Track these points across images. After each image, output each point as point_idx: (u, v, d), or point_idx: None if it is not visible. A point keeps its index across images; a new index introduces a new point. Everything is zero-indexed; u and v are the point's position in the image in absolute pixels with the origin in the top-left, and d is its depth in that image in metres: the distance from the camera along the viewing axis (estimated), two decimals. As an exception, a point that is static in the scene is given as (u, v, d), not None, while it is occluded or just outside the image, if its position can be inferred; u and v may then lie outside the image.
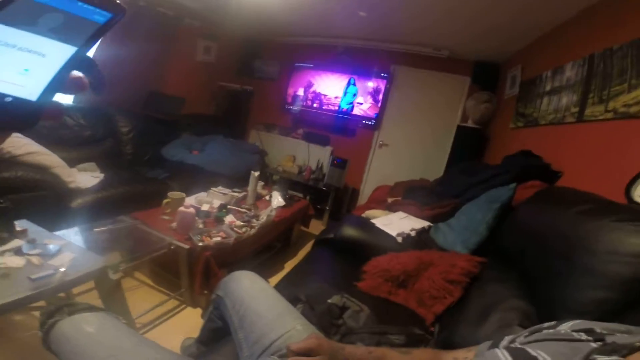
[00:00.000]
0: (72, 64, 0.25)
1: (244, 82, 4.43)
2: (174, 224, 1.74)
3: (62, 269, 1.08)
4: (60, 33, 0.24)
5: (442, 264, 1.37)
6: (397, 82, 3.90)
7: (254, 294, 0.98)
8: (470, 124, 3.36)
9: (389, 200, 2.34)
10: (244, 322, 0.93)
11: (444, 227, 1.73)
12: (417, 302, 1.37)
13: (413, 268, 1.45)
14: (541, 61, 2.49)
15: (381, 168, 4.01)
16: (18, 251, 1.11)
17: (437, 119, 3.81)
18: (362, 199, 4.00)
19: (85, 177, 2.19)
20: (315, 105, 4.14)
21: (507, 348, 0.57)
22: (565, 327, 0.58)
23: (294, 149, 4.21)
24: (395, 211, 1.96)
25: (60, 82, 0.25)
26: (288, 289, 1.28)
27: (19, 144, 1.84)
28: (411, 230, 1.71)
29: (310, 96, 4.17)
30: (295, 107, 4.22)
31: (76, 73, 0.26)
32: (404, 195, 2.43)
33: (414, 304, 1.38)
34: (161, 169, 2.79)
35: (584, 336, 0.53)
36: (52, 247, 1.17)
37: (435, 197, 2.22)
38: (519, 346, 0.57)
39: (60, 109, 0.26)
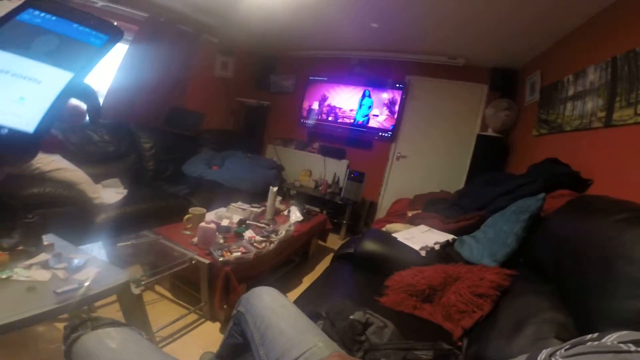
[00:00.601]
0: (69, 91, 0.23)
1: (261, 97, 4.53)
2: (195, 239, 1.75)
3: (87, 283, 1.09)
4: (55, 57, 0.22)
5: (470, 278, 1.32)
6: (412, 92, 3.88)
7: (275, 310, 0.97)
8: (490, 132, 3.28)
9: (409, 213, 2.29)
10: (265, 338, 0.91)
11: (470, 240, 1.67)
12: (444, 316, 1.33)
13: (439, 282, 1.40)
14: (561, 66, 2.42)
15: (399, 180, 3.95)
16: (45, 265, 1.15)
17: (456, 129, 3.74)
18: (381, 212, 3.94)
19: (110, 193, 2.26)
20: (330, 118, 4.16)
21: None
22: (611, 338, 0.53)
23: (310, 163, 4.23)
24: (417, 224, 1.91)
25: (57, 111, 0.23)
26: (308, 305, 1.26)
27: (47, 160, 1.92)
28: (435, 243, 1.65)
29: (325, 109, 4.20)
30: (311, 121, 4.26)
31: (74, 101, 0.24)
32: (424, 208, 2.37)
33: (440, 318, 1.33)
34: (182, 185, 2.85)
35: (632, 347, 0.49)
36: (77, 261, 1.20)
37: (458, 210, 2.16)
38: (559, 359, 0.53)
39: (58, 139, 0.25)
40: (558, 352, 0.57)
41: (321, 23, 3.07)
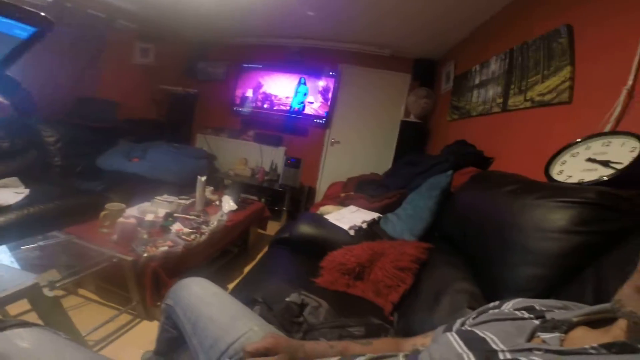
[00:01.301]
0: None
1: (188, 85, 4.23)
2: (115, 237, 1.60)
3: None
4: None
5: (393, 253, 1.42)
6: (344, 80, 3.99)
7: (205, 299, 0.95)
8: (412, 118, 3.56)
9: (342, 195, 2.39)
10: (197, 328, 0.89)
11: (392, 217, 1.81)
12: (374, 292, 1.41)
13: (366, 259, 1.48)
14: (471, 56, 2.71)
15: (335, 165, 4.08)
16: None
17: (383, 115, 3.98)
18: (319, 196, 4.04)
19: (7, 193, 1.95)
20: (265, 106, 4.08)
21: (458, 331, 0.59)
22: (508, 306, 0.60)
23: (245, 151, 4.12)
24: (347, 205, 2.01)
25: None
26: (244, 292, 1.25)
27: None
28: (362, 222, 1.76)
29: (260, 97, 4.10)
30: (245, 109, 4.13)
31: None
32: (355, 189, 2.50)
33: (371, 294, 1.41)
34: (97, 180, 2.55)
35: (526, 314, 0.55)
36: None
37: (383, 189, 2.31)
38: (468, 329, 0.59)
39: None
40: (467, 321, 0.63)
41: (255, 10, 2.95)
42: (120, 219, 1.60)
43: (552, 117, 1.63)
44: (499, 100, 2.11)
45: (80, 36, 2.88)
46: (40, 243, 1.53)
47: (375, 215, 1.86)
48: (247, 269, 2.38)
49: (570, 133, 1.39)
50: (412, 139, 3.44)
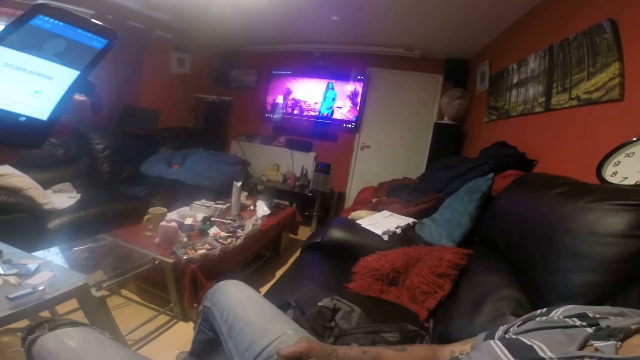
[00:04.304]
0: (75, 86, 0.27)
1: (222, 93, 4.40)
2: (157, 240, 1.69)
3: (41, 288, 1.05)
4: (64, 58, 0.26)
5: (430, 259, 1.38)
6: (373, 84, 3.96)
7: (241, 302, 0.97)
8: (446, 120, 3.44)
9: (374, 200, 2.36)
10: (232, 330, 0.91)
11: (429, 222, 1.76)
12: (410, 298, 1.38)
13: (402, 265, 1.45)
14: (506, 55, 2.59)
15: (365, 170, 4.05)
16: None
17: (415, 118, 3.89)
18: (349, 202, 4.02)
19: (61, 198, 2.13)
20: (295, 112, 4.15)
21: (502, 339, 0.56)
22: (557, 313, 0.57)
23: (277, 157, 4.20)
24: (379, 210, 1.97)
25: (66, 103, 0.27)
26: (278, 296, 1.27)
27: None
28: (396, 227, 1.72)
29: (289, 103, 4.17)
30: (276, 115, 4.22)
31: (79, 95, 0.28)
32: (387, 194, 2.45)
33: (406, 300, 1.38)
34: (141, 186, 2.72)
35: (577, 322, 0.52)
36: (30, 266, 1.14)
37: (418, 194, 2.25)
38: (513, 336, 0.56)
39: (67, 127, 0.28)
40: (511, 329, 0.61)
41: (281, 16, 3.02)
42: (162, 223, 1.68)
43: (602, 116, 1.51)
44: (541, 100, 1.99)
45: (122, 46, 3.09)
46: (90, 245, 1.64)
47: (410, 220, 1.82)
48: (278, 272, 2.42)
49: (622, 132, 1.29)
50: (447, 142, 3.32)
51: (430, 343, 1.11)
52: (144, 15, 3.09)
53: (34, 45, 0.24)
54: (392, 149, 3.98)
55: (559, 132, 1.82)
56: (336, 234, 1.70)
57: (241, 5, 2.74)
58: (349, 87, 3.93)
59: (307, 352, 0.70)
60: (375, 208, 2.07)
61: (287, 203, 3.19)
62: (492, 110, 2.73)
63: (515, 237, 1.23)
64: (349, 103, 3.94)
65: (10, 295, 0.98)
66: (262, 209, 2.35)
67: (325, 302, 1.24)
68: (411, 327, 1.17)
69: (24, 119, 0.25)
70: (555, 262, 0.94)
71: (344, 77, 3.93)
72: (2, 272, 1.09)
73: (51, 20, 0.25)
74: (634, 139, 1.21)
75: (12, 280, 1.07)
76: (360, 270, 1.48)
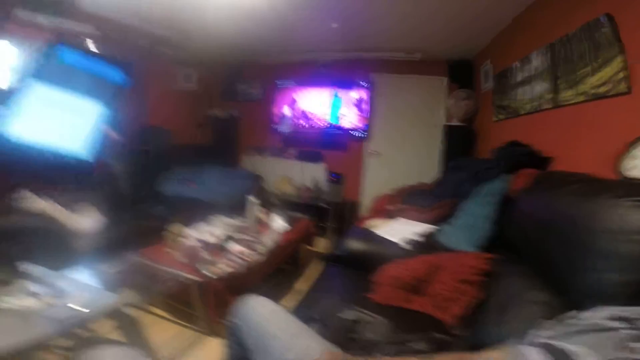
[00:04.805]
0: (105, 119, 0.27)
1: (229, 107, 4.45)
2: (180, 257, 1.73)
3: (76, 307, 1.11)
4: (92, 93, 0.26)
5: (451, 265, 1.37)
6: (378, 90, 3.97)
7: (266, 317, 0.99)
8: (455, 122, 3.44)
9: (389, 208, 2.36)
10: (259, 345, 0.93)
11: (447, 228, 1.75)
12: (434, 306, 1.36)
13: (423, 273, 1.44)
14: (508, 53, 2.58)
15: (377, 177, 4.03)
16: (30, 292, 1.15)
17: (423, 121, 3.89)
18: (363, 210, 4.00)
19: (86, 219, 2.20)
20: (302, 122, 4.18)
21: (533, 344, 0.55)
22: (595, 315, 0.57)
23: (288, 169, 4.23)
24: (395, 218, 1.98)
25: (99, 136, 0.27)
26: (301, 310, 1.29)
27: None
28: (414, 235, 1.72)
29: (296, 114, 4.21)
30: (283, 127, 4.26)
31: (109, 129, 0.28)
32: (402, 201, 2.45)
33: (430, 308, 1.36)
34: (160, 205, 2.79)
35: (617, 324, 0.51)
36: (63, 286, 1.20)
37: (433, 199, 2.24)
38: (546, 341, 0.55)
39: (104, 161, 0.28)
40: (545, 333, 0.60)
41: (279, 26, 3.06)
42: (183, 240, 1.72)
43: (611, 110, 1.50)
44: (549, 96, 1.99)
45: (126, 63, 3.11)
46: (117, 264, 1.70)
47: (428, 226, 1.81)
48: (297, 284, 2.43)
49: (634, 125, 1.29)
50: (458, 144, 3.31)
51: (458, 351, 1.09)
52: (145, 32, 3.12)
53: (65, 82, 0.26)
54: (403, 154, 3.97)
55: (570, 127, 1.81)
56: (354, 244, 1.71)
57: (236, 16, 2.76)
58: (354, 94, 3.95)
59: None
60: (392, 216, 2.07)
61: (301, 215, 3.21)
62: (500, 109, 2.72)
63: (537, 238, 1.21)
64: (355, 111, 3.97)
65: (48, 315, 1.04)
66: (278, 223, 2.37)
67: (347, 313, 1.25)
68: (438, 335, 1.17)
69: (66, 156, 0.27)
70: (582, 263, 0.92)
71: (348, 84, 3.97)
72: (38, 292, 1.15)
73: (72, 53, 0.26)
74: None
75: (49, 300, 1.13)
76: (381, 280, 1.48)
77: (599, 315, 0.56)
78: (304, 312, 1.24)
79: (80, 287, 1.24)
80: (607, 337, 0.49)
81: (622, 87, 1.43)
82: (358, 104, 3.96)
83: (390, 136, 4.00)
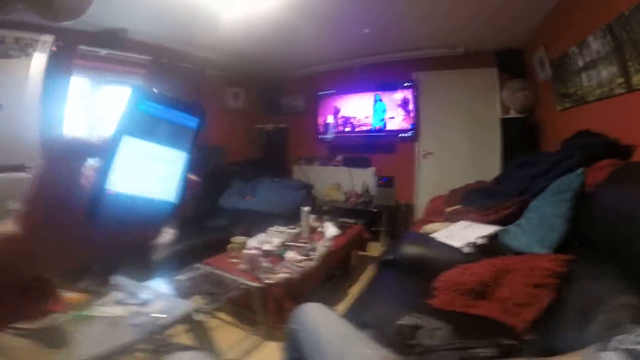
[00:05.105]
0: (187, 166, 0.29)
1: (276, 121, 4.65)
2: (242, 266, 1.84)
3: (156, 315, 1.22)
4: (173, 141, 0.28)
5: (522, 268, 1.28)
6: (423, 88, 3.85)
7: (322, 323, 1.01)
8: (513, 114, 3.19)
9: (447, 210, 2.25)
10: (315, 351, 0.95)
11: (515, 229, 1.62)
12: (502, 311, 1.27)
13: (489, 277, 1.36)
14: (561, 38, 2.36)
15: (431, 178, 3.88)
16: (118, 301, 1.30)
17: (477, 116, 3.66)
18: (418, 213, 3.87)
19: (163, 235, 2.45)
20: (347, 129, 4.21)
21: (617, 349, 0.50)
22: None
23: (336, 176, 4.27)
24: (456, 221, 1.88)
25: (184, 183, 0.29)
26: (356, 316, 1.28)
27: None
28: (477, 238, 1.62)
29: (340, 121, 4.26)
30: (329, 135, 4.33)
31: (191, 175, 0.30)
32: (462, 201, 2.32)
33: (498, 313, 1.27)
34: (221, 218, 3.01)
35: None
36: (145, 296, 1.34)
37: (497, 198, 2.09)
38: (632, 347, 0.50)
39: (185, 205, 0.31)
40: (630, 338, 0.54)
41: (316, 38, 3.12)
42: (244, 250, 1.84)
43: None
44: (620, 80, 1.76)
45: (180, 87, 3.40)
46: (189, 274, 1.86)
47: (492, 229, 1.70)
48: (351, 290, 2.44)
49: None
50: (520, 137, 3.03)
51: (530, 357, 1.03)
52: (192, 55, 3.44)
53: (149, 132, 0.27)
54: (458, 152, 3.77)
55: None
56: (409, 249, 1.67)
57: (270, 33, 2.90)
58: (398, 95, 3.88)
59: None
60: (451, 219, 1.98)
61: (352, 221, 3.22)
62: (563, 97, 2.47)
63: (621, 235, 1.09)
64: (401, 112, 3.89)
65: (134, 322, 1.17)
66: (330, 229, 2.41)
67: (406, 319, 1.22)
68: (505, 341, 1.09)
69: (161, 202, 0.28)
70: None
71: (390, 86, 3.92)
72: (125, 301, 1.30)
73: (152, 104, 0.27)
74: None
75: (134, 309, 1.27)
76: (442, 285, 1.42)
77: None
78: (359, 318, 1.24)
79: (159, 296, 1.38)
80: None
81: None
82: (403, 104, 3.88)
83: (441, 134, 3.84)
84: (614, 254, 1.12)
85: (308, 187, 3.88)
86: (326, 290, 2.31)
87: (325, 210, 3.81)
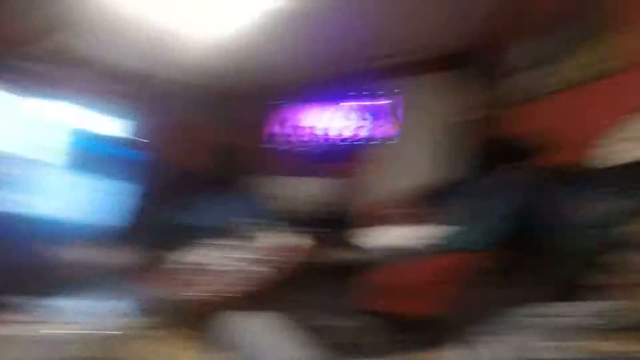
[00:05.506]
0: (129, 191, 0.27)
1: (232, 133, 4.51)
2: (183, 281, 1.74)
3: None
4: (114, 173, 0.26)
5: (453, 266, 1.33)
6: (383, 96, 3.91)
7: (257, 331, 1.03)
8: (464, 117, 3.34)
9: (397, 212, 2.29)
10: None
11: (454, 229, 1.65)
12: (439, 307, 1.29)
13: (429, 276, 1.40)
14: (506, 41, 2.59)
15: (389, 183, 3.88)
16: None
17: (431, 121, 3.74)
18: (373, 218, 3.87)
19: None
20: (306, 138, 4.19)
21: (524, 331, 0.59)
22: (578, 310, 0.59)
23: (294, 187, 4.19)
24: (399, 223, 1.91)
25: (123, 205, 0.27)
26: (295, 320, 1.25)
27: None
28: (420, 238, 1.65)
29: (300, 131, 4.23)
30: (292, 146, 4.28)
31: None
32: (410, 205, 2.37)
33: (435, 310, 1.29)
34: (165, 234, 2.85)
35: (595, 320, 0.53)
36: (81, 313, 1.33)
37: (442, 200, 2.15)
38: (517, 336, 0.59)
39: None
40: (534, 321, 0.62)
41: (277, 53, 3.17)
42: (186, 265, 1.74)
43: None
44: (553, 80, 1.91)
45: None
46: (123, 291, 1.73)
47: (433, 229, 1.72)
48: (296, 296, 2.38)
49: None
50: (470, 140, 3.17)
51: (461, 347, 1.03)
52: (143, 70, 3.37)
53: (88, 164, 0.26)
54: (414, 157, 3.81)
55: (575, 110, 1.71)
56: (350, 252, 1.69)
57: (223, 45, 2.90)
58: (357, 104, 3.95)
59: None
60: (394, 221, 1.99)
61: (307, 229, 3.17)
62: (503, 98, 2.68)
63: (545, 235, 1.20)
64: (361, 119, 3.95)
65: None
66: (281, 239, 2.37)
67: (344, 320, 1.24)
68: (439, 333, 1.12)
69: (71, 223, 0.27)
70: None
71: (348, 96, 3.98)
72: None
73: (90, 137, 0.27)
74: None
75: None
76: (381, 285, 1.44)
77: (585, 310, 0.58)
78: (298, 322, 1.21)
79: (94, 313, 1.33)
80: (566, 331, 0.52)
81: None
82: (363, 112, 3.94)
83: (399, 140, 3.90)
84: (536, 251, 1.22)
85: (265, 199, 3.81)
86: (273, 299, 2.24)
87: (278, 221, 3.75)
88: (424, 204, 2.18)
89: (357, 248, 1.69)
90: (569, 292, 0.89)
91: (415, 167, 3.79)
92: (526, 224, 1.32)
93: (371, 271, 1.47)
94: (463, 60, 3.49)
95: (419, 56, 3.61)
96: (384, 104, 3.91)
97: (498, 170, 1.78)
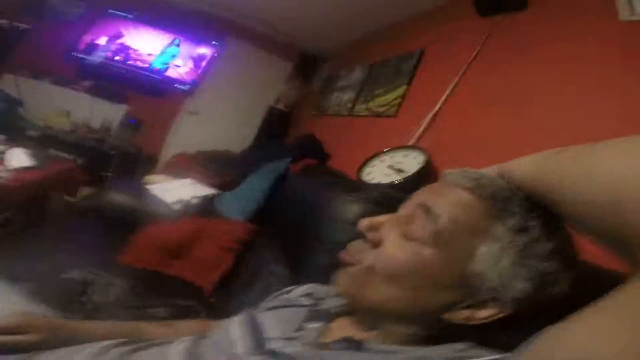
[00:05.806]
0: None
1: (23, 21, 3.02)
2: None
3: None
4: None
5: (216, 231, 1.36)
6: (225, 53, 3.63)
7: None
8: (280, 106, 3.62)
9: (179, 166, 2.18)
10: None
11: (229, 196, 1.75)
12: (194, 272, 1.28)
13: (188, 236, 1.36)
14: (344, 62, 2.92)
15: (188, 136, 3.67)
16: None
17: (254, 97, 3.84)
18: (160, 166, 3.57)
19: None
20: (117, 58, 3.34)
21: (246, 314, 0.55)
22: (297, 292, 0.60)
23: (71, 103, 3.25)
24: (181, 178, 1.83)
25: None
26: (18, 267, 0.98)
27: None
28: (192, 197, 1.63)
29: (114, 47, 3.33)
30: (90, 57, 3.27)
31: None
32: (200, 163, 2.32)
33: (190, 274, 1.28)
34: None
35: (305, 301, 0.54)
36: None
37: (229, 167, 2.24)
38: (255, 313, 0.55)
39: None
40: (262, 305, 0.61)
41: None
42: None
43: (382, 127, 1.92)
44: (349, 105, 2.36)
45: None
46: None
47: (210, 191, 1.76)
48: (34, 239, 1.87)
49: (392, 142, 1.61)
50: (275, 126, 3.50)
51: (206, 319, 1.09)
52: None
53: None
54: (222, 122, 3.80)
55: (352, 134, 2.20)
56: (115, 197, 1.46)
57: None
58: (199, 49, 3.52)
59: (24, 325, 0.53)
60: (179, 174, 1.90)
61: (66, 156, 2.51)
62: (317, 106, 3.05)
63: (292, 217, 1.34)
64: (190, 64, 3.52)
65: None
66: (18, 158, 1.75)
67: (74, 274, 1.06)
68: (183, 302, 1.11)
69: None
70: (310, 243, 1.05)
71: (196, 38, 3.49)
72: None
73: None
74: (386, 149, 1.57)
75: None
76: (138, 241, 1.31)
77: (300, 291, 0.60)
78: (21, 270, 0.96)
79: None
80: (294, 313, 0.51)
81: (393, 110, 1.81)
82: (197, 59, 3.53)
83: (216, 101, 3.75)
84: (284, 230, 1.35)
85: (11, 102, 2.73)
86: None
87: (30, 136, 2.82)
88: (212, 166, 2.19)
89: (131, 194, 1.45)
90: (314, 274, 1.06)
91: (217, 128, 3.78)
92: (285, 207, 1.53)
93: (141, 224, 1.31)
94: (310, 62, 3.77)
95: (280, 38, 3.61)
96: (204, 53, 3.64)
97: (281, 155, 2.03)
